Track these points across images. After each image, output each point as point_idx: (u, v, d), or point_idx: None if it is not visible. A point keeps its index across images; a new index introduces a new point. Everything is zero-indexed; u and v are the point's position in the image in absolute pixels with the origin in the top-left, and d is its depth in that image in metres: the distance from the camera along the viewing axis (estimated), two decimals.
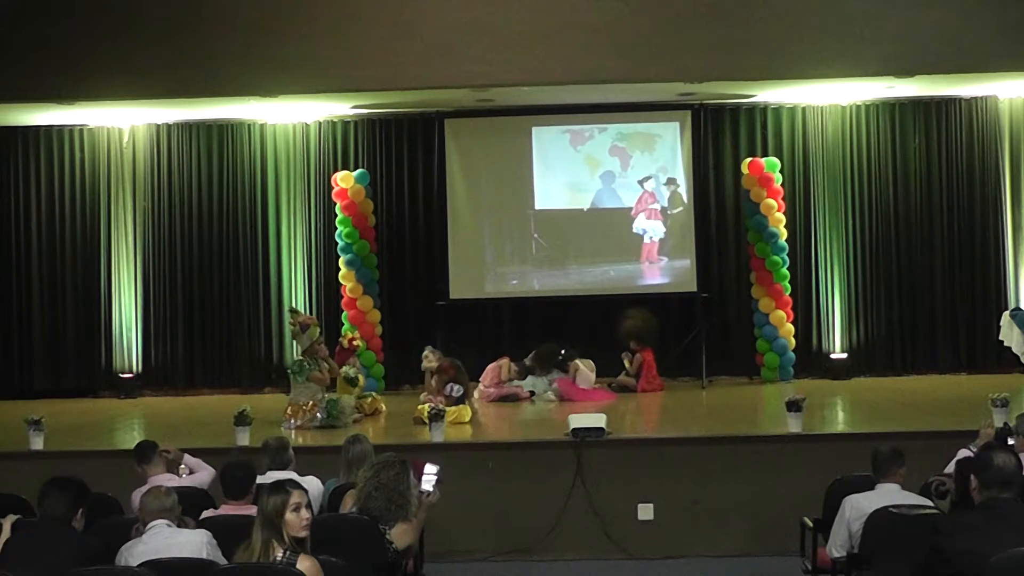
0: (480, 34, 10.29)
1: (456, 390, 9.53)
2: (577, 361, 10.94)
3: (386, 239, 12.33)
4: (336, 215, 11.94)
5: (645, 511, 7.96)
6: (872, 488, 5.57)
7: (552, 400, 10.70)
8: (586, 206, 12.14)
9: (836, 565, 5.60)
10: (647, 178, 12.06)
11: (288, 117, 12.25)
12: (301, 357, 9.78)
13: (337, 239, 11.93)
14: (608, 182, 12.11)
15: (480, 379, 10.80)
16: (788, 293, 11.89)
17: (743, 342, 12.04)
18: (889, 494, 5.47)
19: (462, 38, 10.29)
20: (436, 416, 8.42)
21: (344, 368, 10.05)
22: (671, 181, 12.05)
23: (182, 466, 6.50)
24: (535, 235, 12.16)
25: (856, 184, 12.20)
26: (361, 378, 10.21)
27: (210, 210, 12.49)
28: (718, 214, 12.37)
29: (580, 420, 8.30)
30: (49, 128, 12.43)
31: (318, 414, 9.36)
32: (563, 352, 11.02)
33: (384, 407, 10.21)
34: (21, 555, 4.80)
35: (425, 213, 12.41)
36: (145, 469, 6.28)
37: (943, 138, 12.20)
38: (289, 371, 9.94)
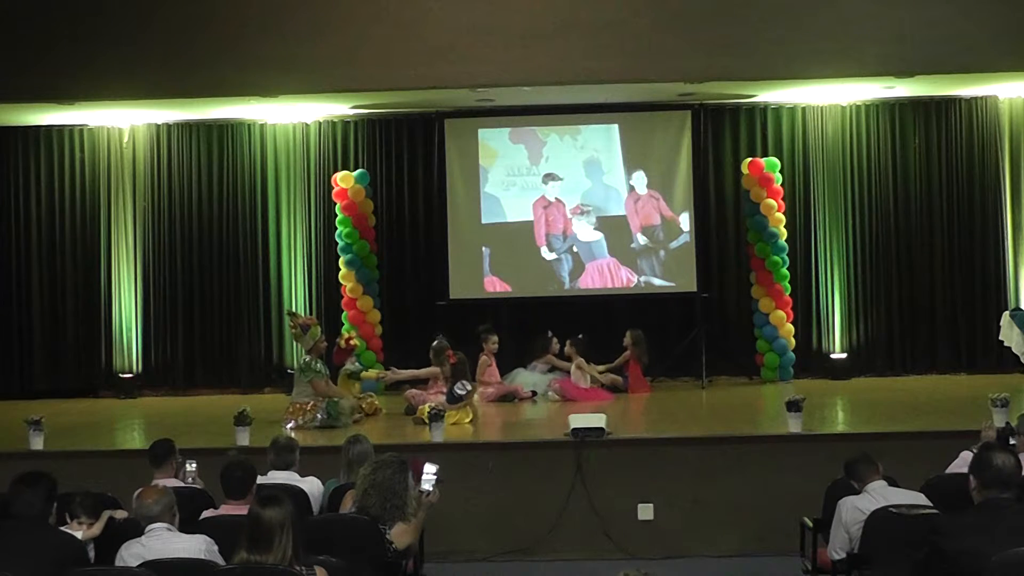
0: (480, 34, 10.30)
1: (466, 386, 9.54)
2: (580, 359, 10.95)
3: (386, 239, 12.33)
4: (336, 215, 11.94)
5: (645, 511, 7.97)
6: (858, 492, 5.57)
7: (552, 400, 10.71)
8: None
9: (836, 565, 5.60)
10: (646, 178, 12.05)
11: (288, 117, 12.25)
12: (307, 357, 9.80)
13: (337, 239, 11.93)
14: (607, 182, 12.11)
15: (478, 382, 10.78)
16: (788, 293, 11.89)
17: (743, 342, 12.04)
18: (882, 492, 5.47)
19: (462, 38, 10.30)
20: (436, 416, 8.43)
21: (346, 366, 10.15)
22: (671, 181, 12.05)
23: (190, 469, 6.46)
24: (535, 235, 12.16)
25: (856, 184, 12.20)
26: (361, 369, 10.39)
27: (210, 210, 12.49)
28: (718, 214, 12.37)
29: (580, 420, 8.30)
30: (49, 128, 12.43)
31: (318, 414, 9.38)
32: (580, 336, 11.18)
33: (383, 407, 10.21)
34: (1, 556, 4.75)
35: (425, 213, 12.42)
36: (154, 471, 6.26)
37: (943, 138, 12.20)
38: (294, 370, 10.02)
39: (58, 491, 5.15)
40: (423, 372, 10.44)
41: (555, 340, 11.31)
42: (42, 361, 12.46)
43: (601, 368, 11.23)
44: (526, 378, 11.16)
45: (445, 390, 9.78)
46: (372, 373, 10.81)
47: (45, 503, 4.98)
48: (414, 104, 11.70)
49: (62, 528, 5.12)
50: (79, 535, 5.06)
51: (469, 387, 9.54)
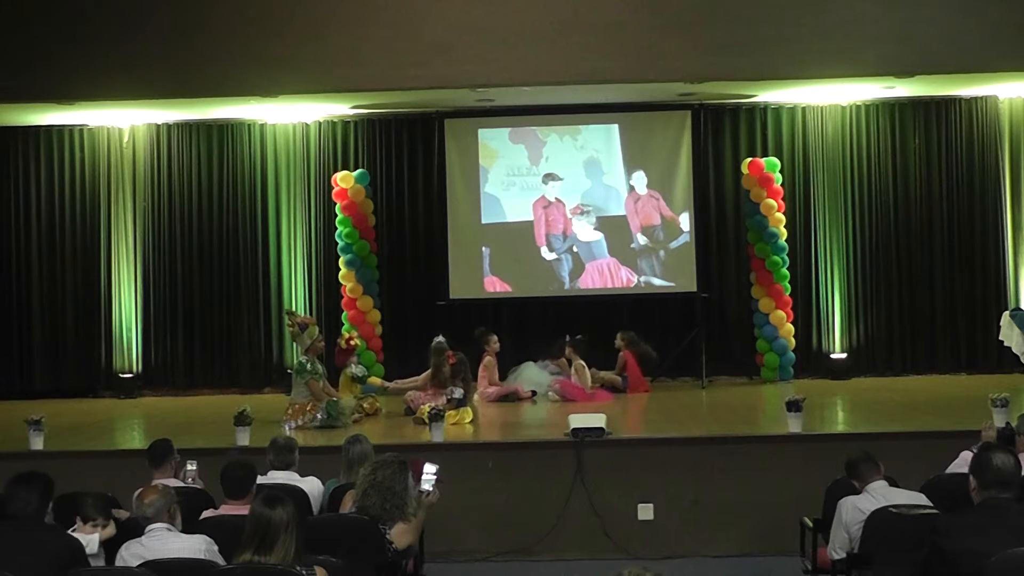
0: (480, 34, 10.30)
1: (457, 392, 9.53)
2: (581, 362, 10.94)
3: (386, 239, 12.34)
4: (336, 215, 11.94)
5: (645, 511, 7.95)
6: (859, 492, 5.56)
7: (552, 400, 10.71)
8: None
9: (836, 565, 5.60)
10: (646, 178, 12.06)
11: (288, 117, 12.25)
12: (304, 357, 9.80)
13: (337, 239, 11.93)
14: (607, 182, 12.11)
15: (477, 383, 10.77)
16: (788, 293, 11.90)
17: (743, 342, 12.04)
18: (883, 492, 5.47)
19: (462, 38, 10.30)
20: (436, 416, 8.42)
21: (349, 368, 10.16)
22: (671, 181, 12.05)
23: (191, 468, 6.46)
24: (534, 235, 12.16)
25: (856, 184, 12.21)
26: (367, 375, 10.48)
27: (210, 210, 12.50)
28: (718, 214, 12.38)
29: (580, 420, 8.29)
30: (49, 128, 12.44)
31: (318, 414, 9.38)
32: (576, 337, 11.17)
33: (383, 407, 10.21)
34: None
35: (425, 213, 12.42)
36: (153, 471, 6.26)
37: (943, 138, 12.21)
38: (291, 371, 10.00)
39: (55, 491, 5.14)
40: (420, 379, 10.41)
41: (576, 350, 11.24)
42: (42, 361, 12.47)
43: (604, 375, 11.21)
44: (531, 372, 11.14)
45: (442, 392, 9.77)
46: (376, 380, 10.84)
47: (41, 502, 4.96)
48: (414, 104, 11.71)
49: (72, 530, 5.11)
50: (95, 536, 5.06)
51: (456, 394, 9.52)
